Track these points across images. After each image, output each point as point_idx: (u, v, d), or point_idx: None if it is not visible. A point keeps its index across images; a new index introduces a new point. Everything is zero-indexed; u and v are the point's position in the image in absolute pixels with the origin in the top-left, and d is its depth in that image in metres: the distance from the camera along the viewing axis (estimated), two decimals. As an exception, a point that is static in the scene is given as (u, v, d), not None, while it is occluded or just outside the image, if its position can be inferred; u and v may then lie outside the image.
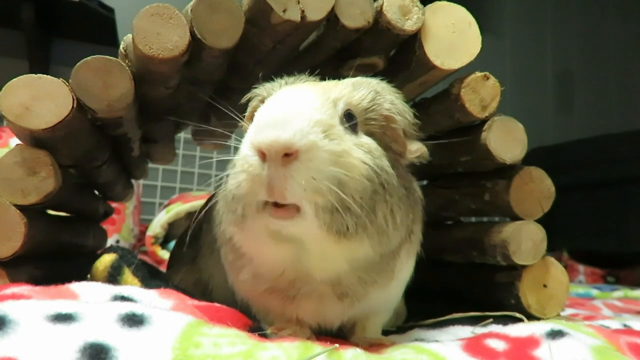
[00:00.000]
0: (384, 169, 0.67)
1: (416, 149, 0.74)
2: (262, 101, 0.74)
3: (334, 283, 0.70)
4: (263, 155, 0.60)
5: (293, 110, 0.62)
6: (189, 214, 2.33)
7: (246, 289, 0.77)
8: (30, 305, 0.55)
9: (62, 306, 0.56)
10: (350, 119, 0.68)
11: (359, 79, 0.74)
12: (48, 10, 2.38)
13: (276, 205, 0.61)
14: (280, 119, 0.60)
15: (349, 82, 0.73)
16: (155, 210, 2.78)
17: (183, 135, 2.69)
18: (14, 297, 0.62)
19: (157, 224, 2.36)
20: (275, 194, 0.60)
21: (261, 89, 0.77)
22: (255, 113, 0.68)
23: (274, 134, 0.59)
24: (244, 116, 0.78)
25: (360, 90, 0.71)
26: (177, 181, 2.99)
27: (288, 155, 0.59)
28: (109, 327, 0.53)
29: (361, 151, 0.65)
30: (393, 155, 0.72)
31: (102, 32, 2.48)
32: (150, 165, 1.53)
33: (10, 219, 0.75)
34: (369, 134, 0.70)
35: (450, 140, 0.92)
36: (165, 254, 2.28)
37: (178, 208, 2.38)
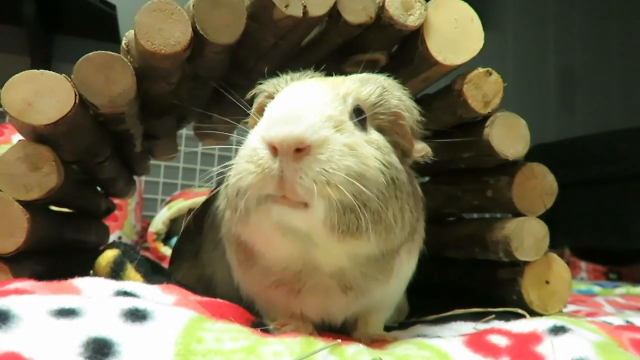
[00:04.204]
0: (393, 165, 0.67)
1: (421, 148, 0.74)
2: (269, 97, 0.74)
3: (339, 276, 0.70)
4: (274, 150, 0.59)
5: (305, 106, 0.62)
6: (191, 211, 2.33)
7: (252, 284, 0.76)
8: (33, 300, 0.55)
9: (65, 301, 0.56)
10: (359, 114, 0.68)
11: (365, 75, 0.74)
12: (49, 6, 2.38)
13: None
14: (293, 114, 0.60)
15: (356, 77, 0.73)
16: (157, 206, 2.78)
17: (185, 132, 2.69)
18: (17, 292, 0.62)
19: (159, 221, 2.36)
20: (286, 189, 0.59)
21: (267, 85, 0.77)
22: (263, 108, 0.68)
23: (287, 128, 0.59)
24: (248, 109, 0.78)
25: (368, 85, 0.71)
26: (179, 177, 2.99)
27: (299, 151, 0.59)
28: (112, 322, 0.53)
29: (371, 147, 0.66)
30: (400, 153, 0.72)
31: (103, 29, 2.47)
32: (152, 161, 1.53)
33: (13, 215, 0.75)
34: (378, 129, 0.71)
35: (453, 140, 0.92)
36: (167, 251, 2.28)
37: (180, 204, 2.38)
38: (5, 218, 0.75)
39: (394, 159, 0.68)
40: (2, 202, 0.75)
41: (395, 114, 0.71)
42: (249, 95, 0.79)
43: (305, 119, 0.60)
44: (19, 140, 0.78)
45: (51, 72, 0.76)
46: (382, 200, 0.64)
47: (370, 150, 0.65)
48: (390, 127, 0.72)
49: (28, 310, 0.53)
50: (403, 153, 0.73)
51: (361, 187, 0.60)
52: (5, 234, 0.75)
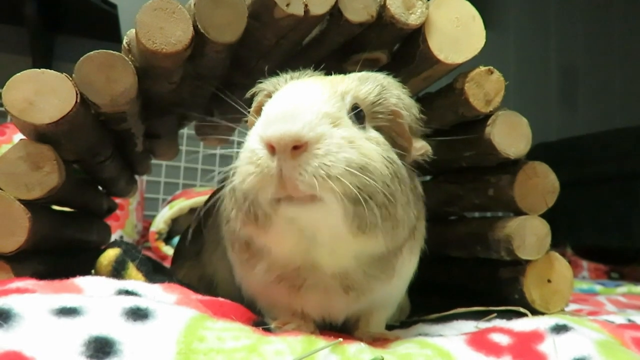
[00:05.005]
0: (393, 160, 0.67)
1: (421, 147, 0.74)
2: (268, 95, 0.74)
3: (342, 277, 0.70)
4: (272, 149, 0.59)
5: (302, 104, 0.62)
6: (193, 210, 2.33)
7: (255, 282, 0.76)
8: (35, 299, 0.55)
9: (67, 300, 0.56)
10: (357, 112, 0.68)
11: (364, 73, 0.74)
12: (51, 6, 2.38)
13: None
14: (289, 112, 0.60)
15: (355, 76, 0.73)
16: (159, 206, 2.78)
17: (186, 131, 2.69)
18: (19, 291, 0.62)
19: (161, 220, 2.36)
20: (287, 187, 0.59)
21: (267, 84, 0.77)
22: (262, 107, 0.68)
23: (284, 127, 0.59)
24: (248, 111, 0.78)
25: (367, 84, 0.71)
26: (181, 177, 2.99)
27: (297, 148, 0.59)
28: (114, 321, 0.53)
29: (371, 143, 0.65)
30: (399, 151, 0.72)
31: (104, 28, 2.47)
32: (154, 161, 1.53)
33: (14, 214, 0.75)
34: (377, 128, 0.70)
35: (455, 138, 0.91)
36: (168, 250, 2.29)
37: (181, 204, 2.38)
38: (6, 217, 0.75)
39: (393, 155, 0.68)
40: (3, 202, 0.75)
41: (394, 112, 0.71)
42: (248, 94, 0.79)
43: (302, 117, 0.60)
44: (20, 140, 0.78)
45: (52, 71, 0.76)
46: (389, 193, 0.63)
47: (370, 145, 0.65)
48: (389, 126, 0.71)
49: (29, 309, 0.53)
50: (402, 151, 0.73)
51: (365, 178, 0.60)
52: (6, 233, 0.75)
